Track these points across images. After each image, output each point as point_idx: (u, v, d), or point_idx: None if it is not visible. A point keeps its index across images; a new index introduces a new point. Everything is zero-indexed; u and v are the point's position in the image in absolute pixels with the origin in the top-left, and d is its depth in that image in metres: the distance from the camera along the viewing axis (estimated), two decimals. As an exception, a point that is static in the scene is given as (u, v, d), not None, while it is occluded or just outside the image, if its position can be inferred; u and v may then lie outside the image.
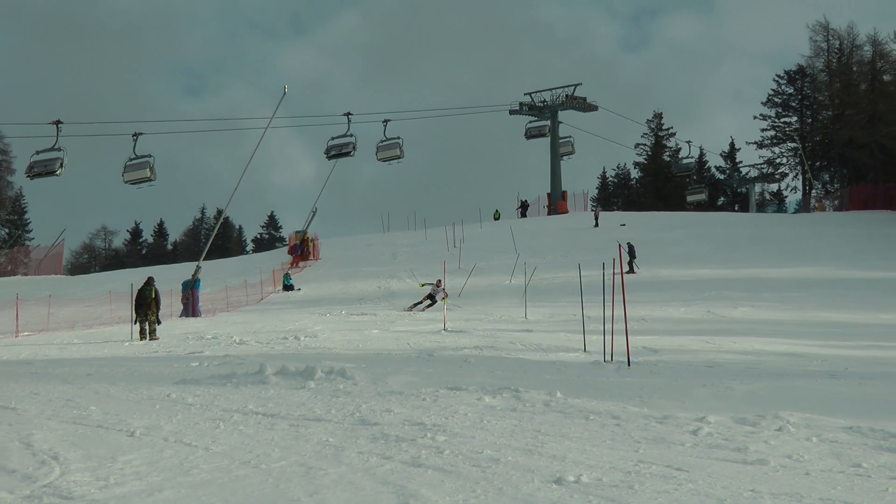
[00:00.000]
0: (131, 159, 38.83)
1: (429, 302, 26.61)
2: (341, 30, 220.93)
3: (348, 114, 39.18)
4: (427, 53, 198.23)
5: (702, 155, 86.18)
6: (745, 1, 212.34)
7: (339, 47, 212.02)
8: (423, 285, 28.49)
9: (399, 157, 46.49)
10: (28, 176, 37.51)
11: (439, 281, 27.70)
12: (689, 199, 73.01)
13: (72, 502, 5.24)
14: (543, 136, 59.01)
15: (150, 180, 38.94)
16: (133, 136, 38.59)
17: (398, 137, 46.61)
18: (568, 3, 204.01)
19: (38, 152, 36.55)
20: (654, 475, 5.89)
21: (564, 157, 70.03)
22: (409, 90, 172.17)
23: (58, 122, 35.45)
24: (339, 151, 40.87)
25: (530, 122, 60.49)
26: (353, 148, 41.14)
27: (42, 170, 36.76)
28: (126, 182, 39.68)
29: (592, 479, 5.74)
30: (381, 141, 46.26)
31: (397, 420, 8.03)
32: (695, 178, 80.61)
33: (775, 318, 21.23)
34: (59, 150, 36.27)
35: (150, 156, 38.88)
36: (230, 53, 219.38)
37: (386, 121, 45.91)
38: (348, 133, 40.24)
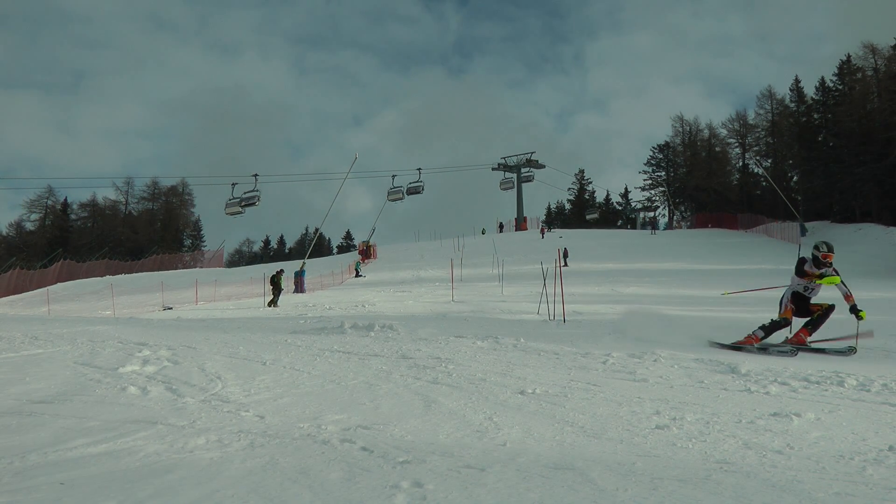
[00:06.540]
0: (391, 189, 38.66)
1: None
2: (384, 121, 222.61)
3: (256, 175, 34.78)
4: (439, 133, 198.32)
5: (607, 195, 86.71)
6: (627, 105, 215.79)
7: (384, 131, 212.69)
8: None
9: (420, 192, 45.55)
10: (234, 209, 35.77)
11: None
12: (588, 217, 72.99)
13: (228, 404, 5.24)
14: (511, 188, 57.34)
15: (402, 199, 38.91)
16: (391, 176, 41.24)
17: (421, 181, 45.68)
18: (522, 105, 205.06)
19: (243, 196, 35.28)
20: (579, 388, 5.86)
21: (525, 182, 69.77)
22: (427, 155, 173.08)
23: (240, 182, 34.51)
24: (248, 203, 35.39)
25: (504, 177, 55.60)
26: (258, 199, 35.76)
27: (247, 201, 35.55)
28: (389, 200, 39.31)
29: (542, 391, 5.71)
30: (412, 182, 45.18)
31: (424, 355, 8.01)
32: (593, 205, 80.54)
33: (652, 292, 21.13)
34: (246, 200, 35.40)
35: (402, 186, 38.75)
36: (319, 134, 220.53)
37: (419, 169, 45.44)
38: (255, 189, 35.23)
